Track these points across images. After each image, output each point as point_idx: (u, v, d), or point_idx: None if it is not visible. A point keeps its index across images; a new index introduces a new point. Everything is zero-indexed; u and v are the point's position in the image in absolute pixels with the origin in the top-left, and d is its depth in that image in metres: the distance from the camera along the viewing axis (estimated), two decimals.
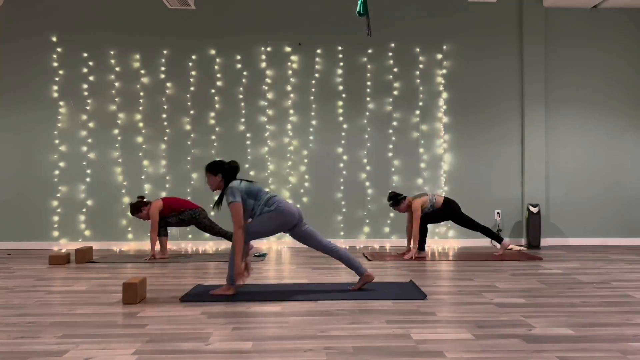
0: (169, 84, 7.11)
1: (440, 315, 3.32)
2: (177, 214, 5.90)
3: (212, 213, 6.45)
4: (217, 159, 4.51)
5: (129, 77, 7.10)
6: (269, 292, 4.02)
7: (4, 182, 7.01)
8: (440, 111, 7.21)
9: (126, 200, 6.99)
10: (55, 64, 7.06)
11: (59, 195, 7.01)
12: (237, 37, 7.14)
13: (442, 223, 7.08)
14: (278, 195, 4.07)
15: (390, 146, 7.16)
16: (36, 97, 7.04)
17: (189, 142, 7.09)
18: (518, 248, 6.71)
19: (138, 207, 5.88)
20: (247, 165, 7.09)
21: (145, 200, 5.97)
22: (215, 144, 7.10)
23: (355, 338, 2.84)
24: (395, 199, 5.99)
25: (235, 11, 7.16)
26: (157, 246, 5.95)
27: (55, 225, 7.00)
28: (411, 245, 5.98)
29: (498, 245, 6.19)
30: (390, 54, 7.19)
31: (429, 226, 7.03)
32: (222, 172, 4.03)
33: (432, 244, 7.09)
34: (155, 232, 5.81)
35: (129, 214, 6.38)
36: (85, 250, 5.72)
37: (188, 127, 7.11)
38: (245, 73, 7.14)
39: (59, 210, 7.00)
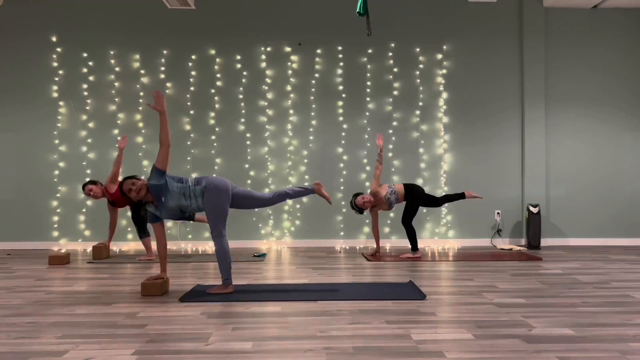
0: (168, 84, 7.11)
1: (440, 315, 3.32)
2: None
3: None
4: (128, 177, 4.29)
5: (128, 77, 7.10)
6: (269, 292, 4.02)
7: (4, 182, 7.01)
8: (440, 111, 7.21)
9: None
10: (55, 64, 7.06)
11: (58, 195, 7.01)
12: (237, 37, 7.13)
13: (442, 223, 7.10)
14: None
15: (390, 146, 7.16)
16: (36, 97, 7.04)
17: (188, 142, 7.08)
18: (518, 248, 6.71)
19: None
20: (247, 165, 7.09)
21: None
22: (215, 144, 7.10)
23: (355, 338, 2.83)
24: (352, 203, 5.93)
25: (235, 11, 7.16)
26: (153, 247, 5.95)
27: (55, 225, 7.00)
28: (379, 245, 6.17)
29: (462, 200, 6.28)
30: (390, 54, 7.19)
31: (428, 226, 7.04)
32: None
33: (432, 244, 7.09)
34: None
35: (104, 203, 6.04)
36: (102, 248, 5.96)
37: (188, 127, 7.10)
38: (245, 73, 7.14)
39: (58, 210, 7.00)
